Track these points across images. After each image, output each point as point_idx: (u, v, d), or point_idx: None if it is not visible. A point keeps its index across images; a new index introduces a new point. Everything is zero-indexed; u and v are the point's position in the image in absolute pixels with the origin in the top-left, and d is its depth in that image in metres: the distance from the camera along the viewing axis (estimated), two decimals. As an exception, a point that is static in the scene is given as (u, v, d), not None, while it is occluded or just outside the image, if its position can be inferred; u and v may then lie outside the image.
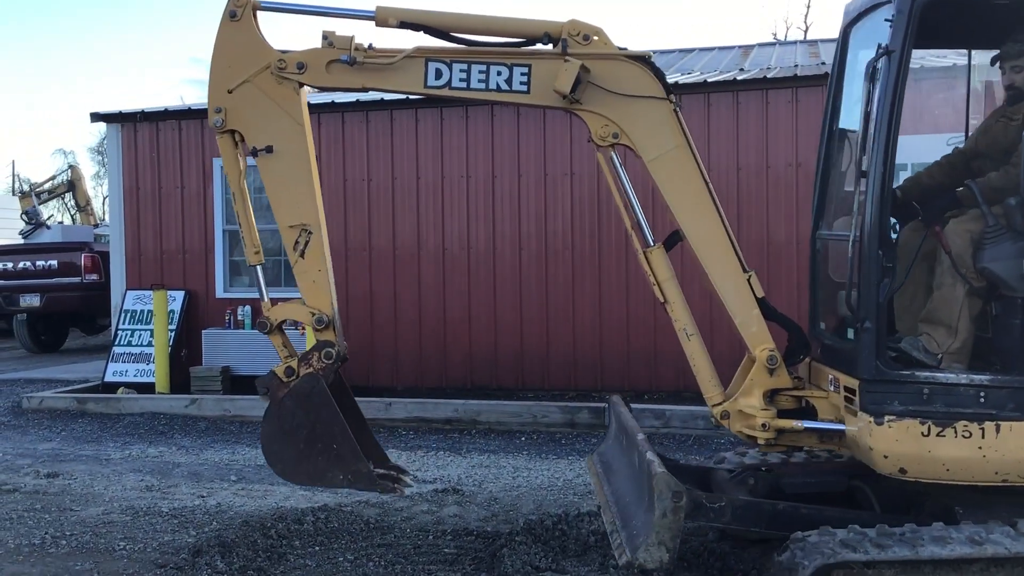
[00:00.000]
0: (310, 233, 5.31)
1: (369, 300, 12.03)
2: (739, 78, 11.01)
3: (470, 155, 11.70)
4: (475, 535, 6.36)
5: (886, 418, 4.50)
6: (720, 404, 5.18)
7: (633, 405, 10.16)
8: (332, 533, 6.35)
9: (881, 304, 4.65)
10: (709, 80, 11.09)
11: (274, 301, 5.43)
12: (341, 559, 5.91)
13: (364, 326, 11.93)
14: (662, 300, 5.21)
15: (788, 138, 10.72)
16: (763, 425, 5.00)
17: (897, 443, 4.48)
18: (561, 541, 6.06)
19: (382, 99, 11.60)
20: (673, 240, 5.24)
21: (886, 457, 4.50)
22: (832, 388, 4.99)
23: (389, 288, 11.97)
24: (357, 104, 11.94)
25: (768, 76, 10.97)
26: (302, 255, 5.30)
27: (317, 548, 6.10)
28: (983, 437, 4.43)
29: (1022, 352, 4.58)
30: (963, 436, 4.45)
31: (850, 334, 4.94)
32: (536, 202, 11.51)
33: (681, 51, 16.48)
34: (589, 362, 11.39)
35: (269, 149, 5.22)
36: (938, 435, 4.46)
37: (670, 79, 11.10)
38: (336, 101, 11.99)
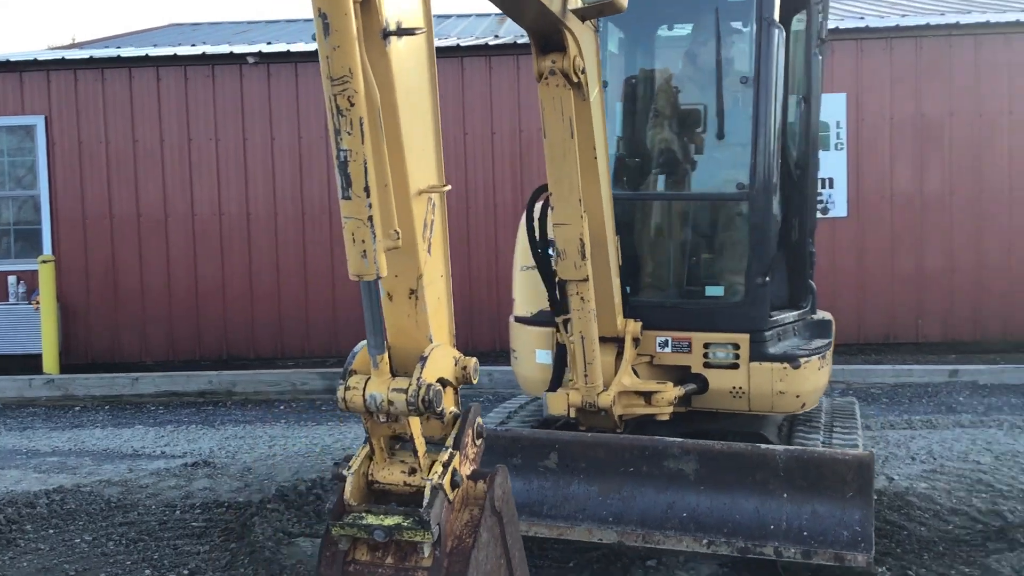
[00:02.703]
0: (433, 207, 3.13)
1: (112, 270, 11.32)
2: (491, 43, 11.13)
3: (219, 116, 11.20)
4: (226, 506, 6.15)
5: (802, 360, 5.00)
6: (605, 391, 5.01)
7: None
8: (68, 515, 5.96)
9: (773, 259, 5.00)
10: (462, 44, 11.14)
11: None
12: (78, 540, 5.55)
13: (107, 297, 11.23)
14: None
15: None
16: (671, 400, 5.09)
17: (808, 381, 5.03)
18: (316, 506, 5.97)
19: (119, 56, 10.88)
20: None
21: (798, 397, 5.00)
22: (662, 348, 5.15)
23: (134, 257, 11.31)
24: (91, 61, 11.14)
25: (519, 42, 11.16)
26: (429, 248, 3.03)
27: (51, 531, 5.70)
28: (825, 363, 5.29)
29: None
30: (825, 365, 5.29)
31: (718, 291, 5.29)
32: (291, 166, 11.20)
33: (438, 17, 16.48)
34: (352, 327, 11.25)
35: None
36: (819, 369, 5.18)
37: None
38: (67, 58, 11.13)
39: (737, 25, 5.57)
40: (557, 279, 4.96)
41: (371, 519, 2.79)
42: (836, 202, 10.96)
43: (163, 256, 11.29)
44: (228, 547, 5.43)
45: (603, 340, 5.04)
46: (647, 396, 5.14)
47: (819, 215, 10.77)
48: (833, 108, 10.76)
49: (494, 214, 10.94)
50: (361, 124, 2.56)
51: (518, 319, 5.63)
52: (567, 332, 5.04)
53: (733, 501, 4.55)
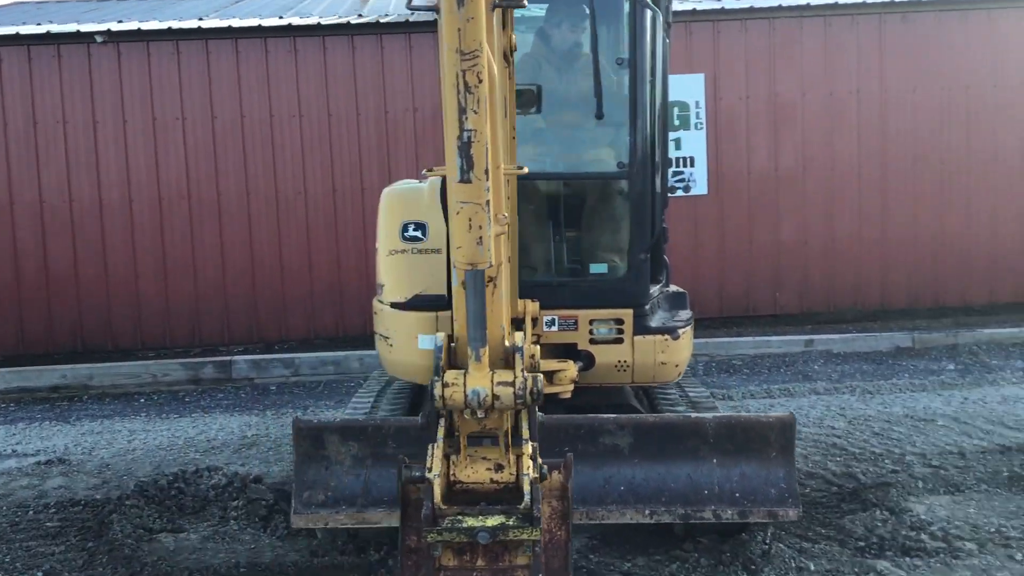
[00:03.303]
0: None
1: (-46, 262, 10.67)
2: (354, 22, 10.94)
3: (66, 99, 10.66)
4: (83, 504, 5.91)
5: (680, 331, 5.31)
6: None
7: (262, 356, 10.06)
8: (-93, 523, 5.61)
9: (654, 236, 5.24)
10: (324, 23, 10.91)
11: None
12: (-82, 549, 5.23)
13: (-51, 291, 10.60)
14: None
15: (406, 82, 10.83)
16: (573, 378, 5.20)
17: (684, 351, 5.33)
18: (178, 500, 5.79)
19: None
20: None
21: (676, 366, 5.31)
22: (549, 327, 5.20)
23: (-23, 247, 10.69)
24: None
25: (382, 21, 11.00)
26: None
27: None
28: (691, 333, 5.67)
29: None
30: (690, 335, 5.61)
31: (602, 269, 5.40)
32: (146, 149, 10.76)
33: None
34: (214, 315, 10.93)
35: None
36: (690, 339, 5.58)
37: (287, 21, 10.83)
38: None
39: (612, 7, 5.62)
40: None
41: (471, 521, 2.65)
42: (697, 180, 11.22)
43: (9, 243, 10.70)
44: (85, 546, 5.22)
45: None
46: (549, 375, 5.20)
47: (682, 193, 11.12)
48: (692, 88, 11.00)
49: (361, 198, 10.78)
50: (485, 103, 2.38)
51: (394, 305, 5.51)
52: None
53: (667, 470, 4.75)
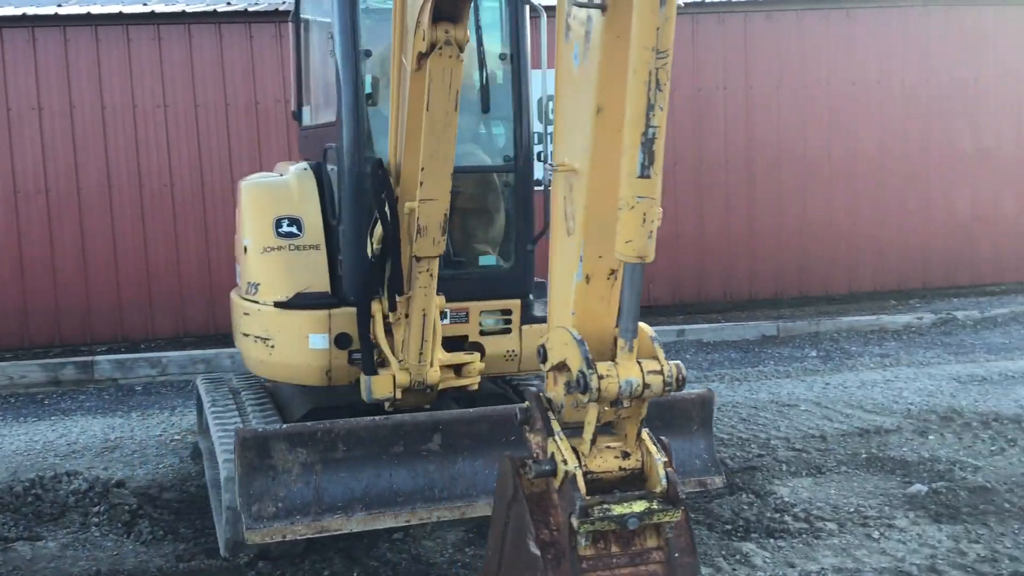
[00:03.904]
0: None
1: None
2: (221, 10, 10.63)
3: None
4: (-70, 515, 5.57)
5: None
6: (432, 368, 5.04)
7: (127, 356, 9.69)
8: None
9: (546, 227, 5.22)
10: (189, 10, 10.57)
11: None
12: None
13: None
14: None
15: (276, 73, 10.59)
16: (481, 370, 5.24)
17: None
18: (35, 507, 5.55)
19: None
20: None
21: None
22: (442, 321, 5.15)
23: None
24: None
25: (251, 9, 10.73)
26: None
27: None
28: None
29: None
30: None
31: (491, 261, 5.44)
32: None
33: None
34: (75, 314, 10.47)
35: None
36: None
37: (151, 8, 10.45)
38: None
39: (493, 3, 5.63)
40: (374, 257, 4.93)
41: (619, 509, 2.73)
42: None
43: None
44: (-69, 560, 4.92)
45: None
46: (456, 368, 5.23)
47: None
48: (566, 82, 11.09)
49: (232, 191, 10.47)
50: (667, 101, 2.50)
51: (278, 304, 5.32)
52: (395, 312, 5.00)
53: None
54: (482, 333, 5.41)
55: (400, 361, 5.00)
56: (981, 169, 12.33)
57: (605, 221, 2.83)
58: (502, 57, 5.52)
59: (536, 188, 5.74)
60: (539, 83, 5.64)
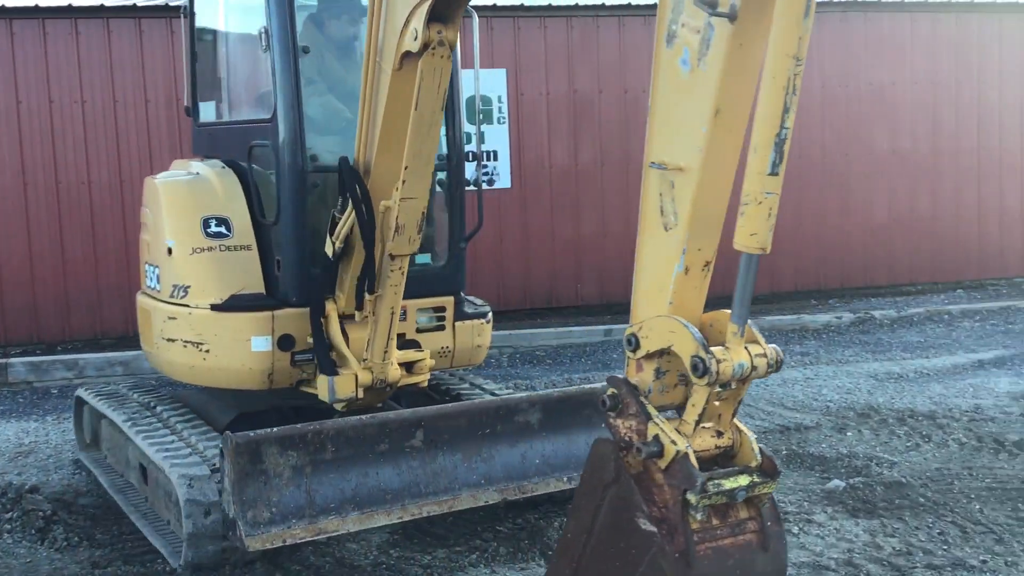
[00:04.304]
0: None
1: None
2: (140, 4, 10.40)
3: None
4: None
5: (490, 315, 5.68)
6: (392, 366, 5.06)
7: (42, 358, 9.41)
8: None
9: (479, 225, 5.56)
10: (108, 4, 10.32)
11: None
12: None
13: None
14: None
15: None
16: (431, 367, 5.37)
17: (489, 335, 5.75)
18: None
19: None
20: None
21: (488, 348, 5.70)
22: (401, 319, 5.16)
23: None
24: None
25: (171, 4, 10.50)
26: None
27: None
28: None
29: None
30: None
31: (426, 259, 5.51)
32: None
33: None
34: (18, 313, 10.10)
35: None
36: None
37: (68, 1, 10.17)
38: None
39: None
40: (335, 256, 4.94)
41: (728, 484, 2.92)
42: (501, 174, 11.35)
43: None
44: None
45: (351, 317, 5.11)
46: (407, 366, 5.24)
47: (486, 186, 11.21)
48: (495, 83, 11.11)
49: (132, 191, 10.20)
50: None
51: (215, 307, 5.19)
52: (361, 311, 5.02)
53: (570, 440, 5.01)
54: (418, 331, 5.46)
55: (364, 360, 4.99)
56: (897, 171, 12.67)
57: (708, 216, 3.12)
58: None
59: (468, 188, 5.74)
60: (470, 83, 5.66)
